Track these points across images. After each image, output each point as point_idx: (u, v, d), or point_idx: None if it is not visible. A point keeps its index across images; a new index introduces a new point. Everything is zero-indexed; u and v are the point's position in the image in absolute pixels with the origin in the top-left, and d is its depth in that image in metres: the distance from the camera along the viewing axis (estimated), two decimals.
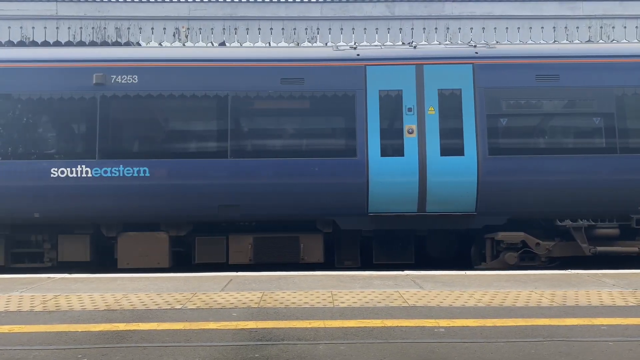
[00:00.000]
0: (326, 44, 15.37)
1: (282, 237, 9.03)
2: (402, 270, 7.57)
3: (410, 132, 8.67)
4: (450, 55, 9.05)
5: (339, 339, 4.41)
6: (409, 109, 8.72)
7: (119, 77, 8.76)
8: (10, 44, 13.39)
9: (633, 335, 4.51)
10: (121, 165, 8.58)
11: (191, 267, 8.95)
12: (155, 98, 8.81)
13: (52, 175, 8.55)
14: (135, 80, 8.77)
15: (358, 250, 9.29)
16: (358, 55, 9.03)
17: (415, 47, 9.39)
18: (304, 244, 8.99)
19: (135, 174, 8.57)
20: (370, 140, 8.66)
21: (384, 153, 8.64)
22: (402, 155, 8.64)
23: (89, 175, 8.55)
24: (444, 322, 4.84)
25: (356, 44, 11.27)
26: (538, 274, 7.15)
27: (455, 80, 8.80)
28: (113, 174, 8.56)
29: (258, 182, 8.65)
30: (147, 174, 8.57)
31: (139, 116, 9.00)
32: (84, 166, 8.57)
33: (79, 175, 8.55)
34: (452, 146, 8.64)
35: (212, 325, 4.81)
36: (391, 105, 8.77)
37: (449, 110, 8.74)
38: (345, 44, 11.12)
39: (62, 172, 8.55)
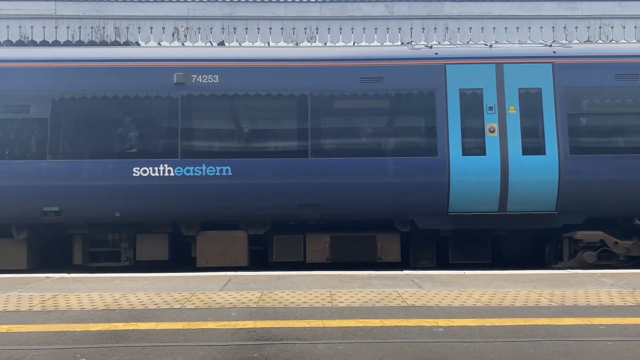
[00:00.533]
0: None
1: (359, 236, 9.05)
2: (405, 270, 7.57)
3: (492, 131, 8.68)
4: (528, 54, 9.07)
5: (338, 339, 4.41)
6: (490, 108, 8.73)
7: (200, 76, 8.79)
8: (92, 43, 13.41)
9: (631, 335, 4.52)
10: (204, 165, 8.60)
11: (269, 266, 8.99)
12: (236, 98, 8.85)
13: (134, 174, 8.56)
14: (216, 80, 8.79)
15: (434, 250, 9.31)
16: (436, 54, 9.05)
17: (491, 47, 9.46)
18: (381, 244, 9.00)
19: (218, 173, 8.59)
20: (452, 139, 8.66)
21: (465, 152, 8.65)
22: (484, 154, 8.64)
23: (172, 174, 8.57)
24: (442, 322, 4.85)
25: (431, 43, 11.35)
26: (537, 274, 7.15)
27: (535, 79, 8.81)
28: (195, 173, 8.58)
29: (338, 182, 8.67)
30: (230, 173, 8.59)
31: (219, 116, 9.08)
32: (166, 165, 8.59)
33: (161, 174, 8.57)
34: (533, 145, 8.66)
35: (210, 325, 4.81)
36: (472, 104, 8.78)
37: (530, 109, 8.75)
38: (422, 42, 11.16)
39: (145, 172, 8.57)
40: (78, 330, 4.68)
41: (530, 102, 8.76)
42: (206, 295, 5.91)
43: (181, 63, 8.89)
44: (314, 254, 8.98)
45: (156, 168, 8.56)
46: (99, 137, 8.93)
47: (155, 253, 8.98)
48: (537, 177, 8.56)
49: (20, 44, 13.98)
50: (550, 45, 9.37)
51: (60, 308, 5.41)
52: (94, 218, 8.73)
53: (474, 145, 8.67)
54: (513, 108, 8.73)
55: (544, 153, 8.62)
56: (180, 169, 8.55)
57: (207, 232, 8.97)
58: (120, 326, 4.78)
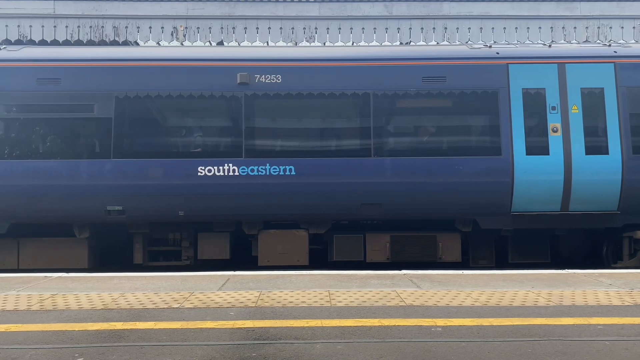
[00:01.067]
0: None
1: (420, 235, 9.10)
2: (405, 270, 7.58)
3: (555, 131, 8.74)
4: (589, 54, 9.13)
5: (336, 338, 4.42)
6: (553, 108, 8.79)
7: (263, 76, 8.85)
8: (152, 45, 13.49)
9: (629, 334, 4.53)
10: (267, 164, 8.67)
11: (330, 264, 9.04)
12: (299, 97, 8.91)
13: (199, 173, 8.60)
14: (279, 79, 8.86)
15: (493, 249, 9.33)
16: (497, 53, 9.11)
17: (550, 46, 9.51)
18: (442, 243, 9.04)
19: (282, 173, 8.65)
20: (515, 138, 8.71)
21: (529, 152, 8.70)
22: (547, 154, 8.71)
23: (236, 173, 8.63)
24: (441, 322, 4.85)
25: (490, 43, 11.46)
26: (535, 274, 7.16)
27: (597, 79, 8.87)
28: (260, 173, 8.65)
29: (401, 181, 8.71)
30: (293, 173, 8.65)
31: (282, 115, 9.11)
32: (230, 165, 8.65)
33: (225, 173, 8.63)
34: (596, 145, 8.72)
35: (209, 324, 4.81)
36: (535, 104, 8.83)
37: (593, 109, 8.80)
38: (480, 42, 11.22)
39: (210, 171, 8.62)
40: (76, 329, 4.68)
41: (592, 101, 8.82)
42: (205, 295, 5.91)
43: (244, 63, 8.97)
44: (374, 254, 9.04)
45: (221, 167, 8.64)
46: (164, 136, 9.01)
47: (217, 252, 9.05)
48: (600, 177, 8.63)
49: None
50: (610, 45, 9.43)
51: (58, 307, 5.41)
52: (157, 217, 8.81)
53: (538, 145, 8.73)
54: (575, 108, 8.79)
55: (606, 153, 8.69)
56: (244, 169, 8.64)
57: (268, 231, 9.05)
58: (118, 325, 4.78)
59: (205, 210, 8.73)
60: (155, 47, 11.39)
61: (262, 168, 8.63)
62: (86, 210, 8.64)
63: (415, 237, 9.06)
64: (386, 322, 4.84)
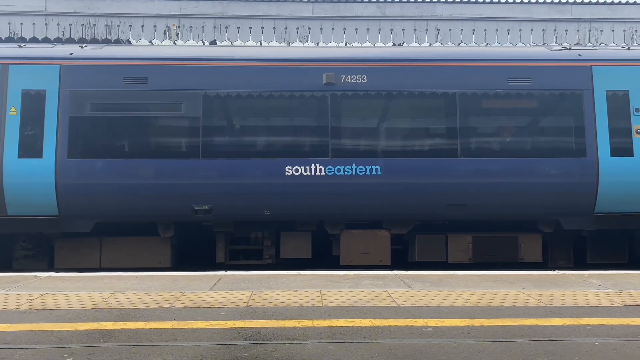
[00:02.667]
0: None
1: (502, 236, 9.12)
2: (399, 270, 7.59)
3: (639, 133, 8.80)
4: None
5: (328, 339, 4.42)
6: (637, 110, 8.87)
7: (349, 76, 8.87)
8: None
9: (618, 335, 4.56)
10: (354, 164, 8.66)
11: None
12: (384, 97, 8.93)
13: (286, 173, 8.61)
14: (364, 79, 8.88)
15: (572, 250, 9.36)
16: (580, 55, 9.20)
17: (629, 49, 9.56)
18: (524, 244, 9.07)
19: (368, 173, 8.65)
20: (600, 139, 8.78)
21: (613, 153, 8.77)
22: (632, 155, 8.79)
23: (322, 173, 8.65)
24: (432, 322, 4.86)
25: (569, 44, 11.50)
26: (525, 275, 7.20)
27: None
28: (346, 173, 8.65)
29: (487, 182, 8.74)
30: (380, 173, 8.65)
31: (368, 115, 9.13)
32: (317, 164, 8.66)
33: (312, 173, 8.64)
34: None
35: (200, 324, 4.79)
36: (618, 106, 8.91)
37: None
38: (565, 44, 11.30)
39: (297, 170, 8.63)
40: (66, 329, 4.65)
41: None
42: (196, 295, 5.88)
43: (330, 63, 8.99)
44: (456, 254, 9.08)
45: (308, 167, 8.66)
46: (251, 136, 9.02)
47: (299, 251, 9.08)
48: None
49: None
50: None
51: (48, 307, 5.37)
52: (243, 216, 8.83)
53: (622, 146, 8.82)
54: None
55: None
56: (331, 168, 8.65)
57: (351, 231, 9.07)
58: (108, 325, 4.75)
59: (290, 210, 8.76)
60: (241, 46, 11.48)
61: (348, 168, 8.66)
62: (173, 209, 8.67)
63: (497, 238, 9.11)
64: (377, 322, 4.85)
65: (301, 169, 8.64)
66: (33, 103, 8.65)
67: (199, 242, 9.47)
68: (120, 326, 4.73)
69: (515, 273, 7.35)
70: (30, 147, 8.57)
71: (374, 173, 8.66)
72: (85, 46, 9.28)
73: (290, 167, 8.63)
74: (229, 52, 9.64)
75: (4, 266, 8.96)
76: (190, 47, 10.91)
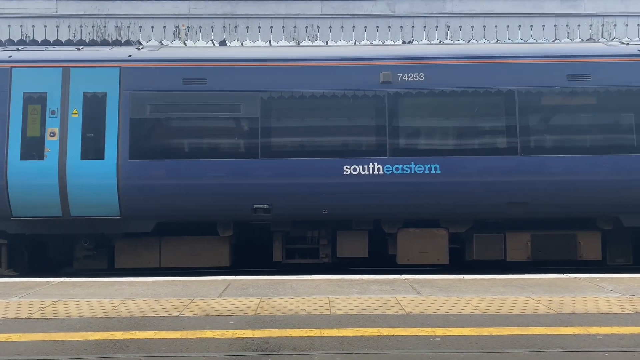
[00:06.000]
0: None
1: (561, 234, 9.10)
2: (404, 275, 7.58)
3: None
4: None
5: (335, 349, 4.42)
6: None
7: (406, 75, 8.86)
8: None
9: (628, 345, 4.52)
10: (412, 163, 8.67)
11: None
12: (442, 95, 8.88)
13: (344, 172, 8.64)
14: (421, 78, 8.86)
15: (630, 247, 9.32)
16: (639, 50, 9.10)
17: None
18: (582, 242, 9.04)
19: (427, 171, 8.66)
20: None
21: None
22: None
23: (381, 172, 8.66)
24: (440, 331, 4.85)
25: (626, 40, 11.42)
26: (535, 279, 7.14)
27: None
28: (404, 171, 8.66)
29: (547, 179, 8.70)
30: (438, 171, 8.64)
31: (426, 114, 9.12)
32: (375, 163, 8.68)
33: (370, 172, 8.65)
34: None
35: (208, 334, 4.83)
36: None
37: None
38: (624, 40, 11.24)
39: (355, 170, 8.66)
40: (77, 339, 4.71)
41: None
42: (205, 302, 5.92)
43: (387, 62, 8.98)
44: (515, 252, 9.04)
45: (366, 166, 8.67)
46: (309, 135, 9.07)
47: (356, 250, 9.11)
48: None
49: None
50: None
51: (59, 315, 5.44)
52: (301, 215, 8.89)
53: None
54: None
55: None
56: (389, 167, 8.66)
57: (407, 230, 9.07)
58: (118, 335, 4.80)
59: (348, 209, 8.77)
60: (297, 47, 11.47)
61: (406, 167, 8.65)
62: (233, 209, 8.75)
63: (556, 236, 9.06)
64: (385, 331, 4.85)
65: (359, 168, 8.65)
66: (94, 105, 8.77)
67: (256, 241, 9.56)
68: (130, 336, 4.78)
69: (526, 277, 7.29)
70: (92, 149, 8.70)
71: (432, 172, 8.64)
72: (142, 48, 9.39)
73: (349, 167, 8.65)
74: (286, 53, 9.61)
75: (63, 265, 9.19)
76: (247, 48, 11.01)
